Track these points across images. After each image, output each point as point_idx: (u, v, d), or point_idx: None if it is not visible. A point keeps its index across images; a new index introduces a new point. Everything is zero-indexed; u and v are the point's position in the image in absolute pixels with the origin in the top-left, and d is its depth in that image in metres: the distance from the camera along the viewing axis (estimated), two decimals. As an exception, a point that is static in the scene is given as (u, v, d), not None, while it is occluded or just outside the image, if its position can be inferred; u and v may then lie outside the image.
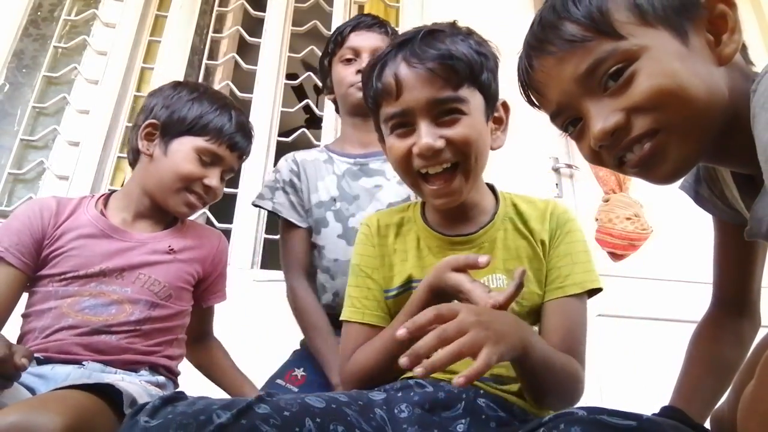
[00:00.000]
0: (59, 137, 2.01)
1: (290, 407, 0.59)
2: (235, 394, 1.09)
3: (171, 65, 2.06)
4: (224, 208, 2.03)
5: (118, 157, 2.04)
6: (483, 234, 0.84)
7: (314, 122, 2.74)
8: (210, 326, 1.19)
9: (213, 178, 1.03)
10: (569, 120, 0.65)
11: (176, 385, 1.05)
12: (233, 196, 1.99)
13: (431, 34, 0.80)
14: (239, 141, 1.06)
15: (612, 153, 0.61)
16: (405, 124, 0.78)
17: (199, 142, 1.02)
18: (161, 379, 0.98)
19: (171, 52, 2.06)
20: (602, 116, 0.59)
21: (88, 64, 2.15)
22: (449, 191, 0.79)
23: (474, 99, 0.79)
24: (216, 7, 2.39)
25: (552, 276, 0.81)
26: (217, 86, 2.25)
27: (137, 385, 0.87)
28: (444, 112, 0.77)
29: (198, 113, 1.03)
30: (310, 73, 2.33)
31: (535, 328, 0.80)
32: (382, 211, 0.96)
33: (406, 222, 0.89)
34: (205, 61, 2.27)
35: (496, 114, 0.85)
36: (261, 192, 1.23)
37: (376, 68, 0.81)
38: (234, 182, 2.02)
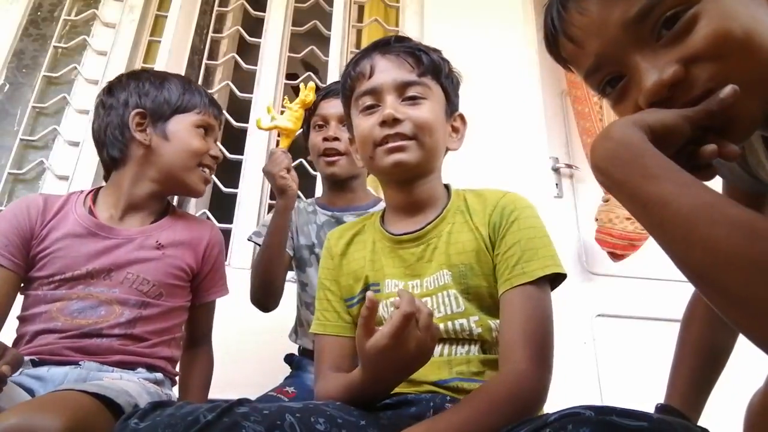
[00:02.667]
0: (59, 137, 2.01)
1: (269, 408, 0.60)
2: None
3: (171, 65, 2.05)
4: (224, 208, 2.03)
5: (118, 157, 2.04)
6: (431, 230, 0.85)
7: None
8: (202, 331, 1.13)
9: (215, 148, 1.09)
10: (608, 77, 0.56)
11: (174, 383, 1.04)
12: (233, 196, 1.99)
13: (405, 37, 0.92)
14: (216, 106, 1.12)
15: None
16: (373, 104, 0.85)
17: (193, 117, 1.05)
18: (159, 376, 0.97)
19: (171, 52, 2.06)
20: (657, 68, 0.50)
21: (88, 64, 2.15)
22: (402, 147, 0.82)
23: (436, 91, 0.87)
24: (216, 7, 2.39)
25: (501, 269, 0.79)
26: (217, 86, 2.25)
27: (136, 383, 0.86)
28: (409, 95, 0.84)
29: (179, 92, 1.06)
30: (310, 73, 2.33)
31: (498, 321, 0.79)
32: (345, 224, 1.01)
33: (365, 229, 0.93)
34: (205, 61, 2.27)
35: (454, 123, 0.92)
36: (257, 230, 1.34)
37: (353, 61, 0.90)
38: (234, 182, 2.02)
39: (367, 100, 0.86)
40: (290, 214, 1.20)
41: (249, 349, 1.60)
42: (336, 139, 1.28)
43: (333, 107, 1.29)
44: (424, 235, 0.85)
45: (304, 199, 1.41)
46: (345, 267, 0.90)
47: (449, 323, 0.78)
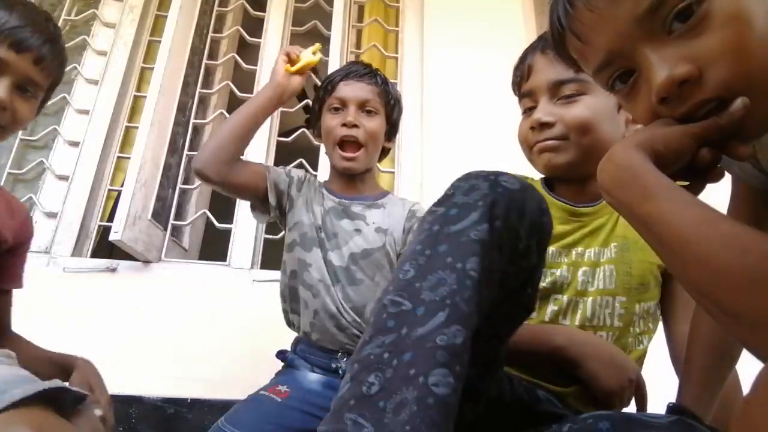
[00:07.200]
0: (59, 137, 2.01)
1: None
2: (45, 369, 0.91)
3: (171, 65, 2.05)
4: (224, 208, 2.03)
5: (118, 157, 2.04)
6: (605, 206, 0.83)
7: (314, 122, 2.73)
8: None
9: None
10: (618, 73, 0.54)
11: None
12: (233, 196, 1.99)
13: None
14: (26, 38, 0.85)
15: (677, 111, 0.50)
16: (531, 106, 0.84)
17: None
18: None
19: (171, 52, 2.06)
20: (668, 63, 0.48)
21: (88, 64, 2.16)
22: (552, 147, 0.81)
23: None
24: (216, 7, 2.39)
25: None
26: (216, 86, 2.25)
27: None
28: (564, 93, 0.81)
29: None
30: (310, 73, 2.33)
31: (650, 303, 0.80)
32: None
33: None
34: (205, 61, 2.27)
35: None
36: None
37: (518, 60, 0.89)
38: (234, 182, 2.02)
39: (527, 103, 0.86)
40: (272, 99, 1.18)
41: (244, 348, 1.60)
42: (355, 126, 1.14)
43: (353, 90, 1.17)
44: (600, 210, 0.84)
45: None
46: None
47: (597, 299, 0.77)
